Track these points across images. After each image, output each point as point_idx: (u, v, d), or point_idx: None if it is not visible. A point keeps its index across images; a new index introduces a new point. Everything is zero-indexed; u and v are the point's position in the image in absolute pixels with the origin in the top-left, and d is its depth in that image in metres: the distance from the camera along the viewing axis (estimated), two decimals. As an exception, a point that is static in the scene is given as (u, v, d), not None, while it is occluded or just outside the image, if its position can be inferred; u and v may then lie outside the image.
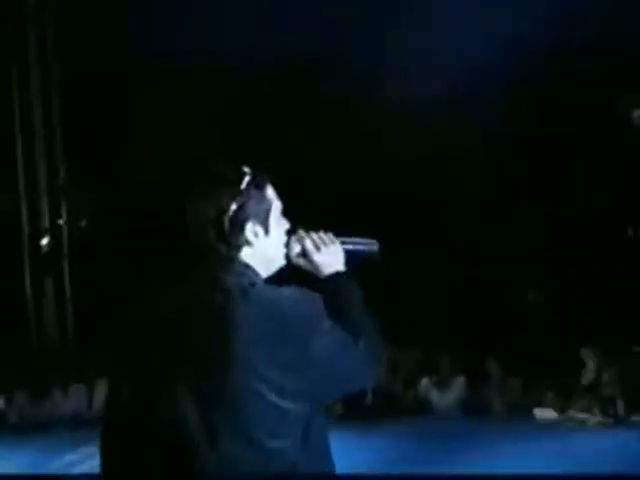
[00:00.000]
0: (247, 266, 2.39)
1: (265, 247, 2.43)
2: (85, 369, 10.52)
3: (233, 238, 2.37)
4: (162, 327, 2.35)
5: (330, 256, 2.54)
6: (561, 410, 9.58)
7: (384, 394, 9.87)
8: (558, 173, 10.60)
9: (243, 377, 2.24)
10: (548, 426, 9.18)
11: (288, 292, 2.35)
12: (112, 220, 11.36)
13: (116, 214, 11.33)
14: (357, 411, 9.04)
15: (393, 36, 9.70)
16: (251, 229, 2.39)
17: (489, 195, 10.62)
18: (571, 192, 10.66)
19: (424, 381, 10.30)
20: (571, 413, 9.52)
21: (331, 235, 2.59)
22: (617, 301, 10.17)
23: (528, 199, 10.66)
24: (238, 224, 2.37)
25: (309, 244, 2.55)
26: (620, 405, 9.34)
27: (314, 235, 2.57)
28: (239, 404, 2.24)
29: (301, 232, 2.57)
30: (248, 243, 2.39)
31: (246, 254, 2.40)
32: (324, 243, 2.56)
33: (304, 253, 2.55)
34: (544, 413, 9.60)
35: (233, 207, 2.36)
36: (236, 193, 2.38)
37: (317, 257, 2.54)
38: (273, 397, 2.25)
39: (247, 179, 2.40)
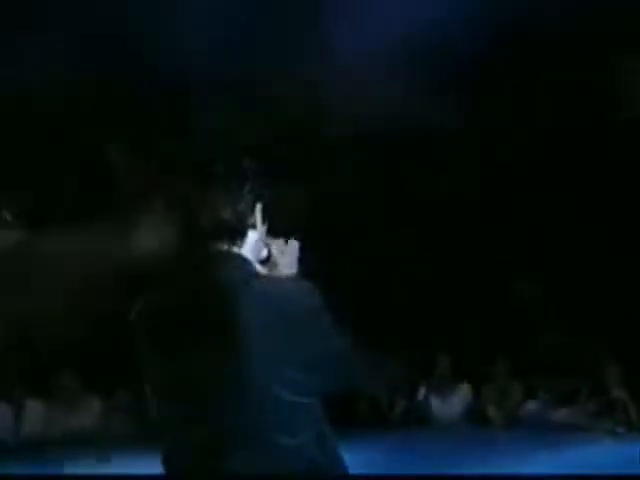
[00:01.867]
0: (245, 259, 2.46)
1: (260, 234, 2.53)
2: (10, 387, 9.87)
3: (248, 219, 2.47)
4: (172, 324, 2.40)
5: (292, 260, 2.67)
6: (572, 417, 9.27)
7: (375, 404, 9.54)
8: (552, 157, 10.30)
9: (253, 372, 2.30)
10: (558, 435, 8.79)
11: (290, 284, 2.46)
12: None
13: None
14: (345, 423, 8.53)
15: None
16: (259, 210, 2.50)
17: (482, 190, 10.44)
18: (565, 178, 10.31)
19: (422, 389, 9.87)
20: (582, 420, 9.18)
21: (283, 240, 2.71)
22: (624, 299, 9.80)
23: (521, 193, 10.43)
24: (250, 204, 2.48)
25: (275, 248, 2.65)
26: (632, 410, 8.99)
27: (279, 240, 2.68)
28: (252, 401, 2.30)
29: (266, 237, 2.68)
30: (254, 227, 2.49)
31: (245, 243, 2.48)
32: (286, 247, 2.68)
33: (269, 257, 2.64)
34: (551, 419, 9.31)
35: (246, 188, 2.47)
36: (246, 176, 2.49)
37: (281, 260, 2.65)
38: (283, 391, 2.30)
39: (249, 163, 2.51)
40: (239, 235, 2.46)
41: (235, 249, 2.46)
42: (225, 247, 2.44)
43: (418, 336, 9.62)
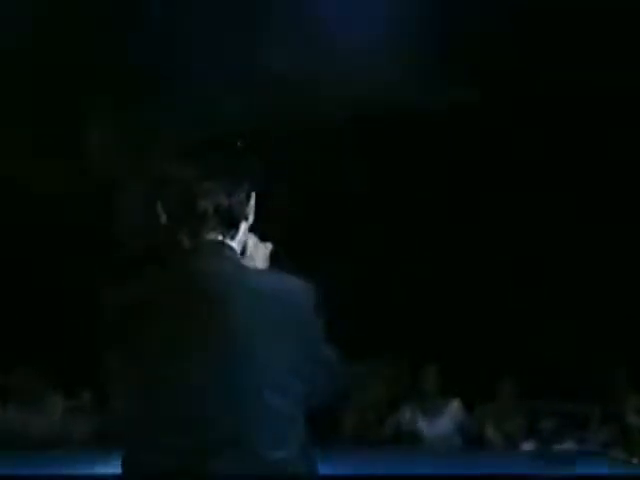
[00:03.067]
0: (234, 251, 2.41)
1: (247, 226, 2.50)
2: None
3: (244, 209, 2.41)
4: (155, 318, 2.29)
5: (265, 256, 2.58)
6: (581, 445, 8.62)
7: (355, 420, 8.84)
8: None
9: (244, 373, 2.22)
10: (563, 463, 7.95)
11: (286, 279, 2.38)
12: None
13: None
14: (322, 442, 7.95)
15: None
16: (253, 201, 2.47)
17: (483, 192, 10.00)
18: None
19: (407, 404, 9.07)
20: (592, 449, 8.51)
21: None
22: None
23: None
24: (246, 194, 2.43)
25: (250, 241, 2.56)
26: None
27: (252, 235, 2.57)
28: (242, 405, 2.22)
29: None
30: (247, 218, 2.45)
31: (237, 234, 2.44)
32: (260, 243, 2.60)
33: (244, 250, 2.54)
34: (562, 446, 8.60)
35: (245, 177, 2.43)
36: (245, 164, 2.46)
37: (256, 254, 2.56)
38: (273, 397, 2.24)
39: (248, 151, 2.50)
40: (233, 225, 2.40)
41: (227, 240, 2.39)
42: (219, 237, 2.38)
43: (409, 345, 9.03)
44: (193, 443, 2.20)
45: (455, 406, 9.03)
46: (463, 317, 9.53)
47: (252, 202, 2.45)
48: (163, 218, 2.40)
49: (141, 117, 9.42)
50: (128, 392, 2.32)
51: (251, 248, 2.55)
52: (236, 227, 2.41)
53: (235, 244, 2.41)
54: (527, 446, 8.74)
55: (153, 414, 2.25)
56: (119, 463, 2.30)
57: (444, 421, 9.01)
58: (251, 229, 2.53)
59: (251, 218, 2.47)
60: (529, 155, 9.80)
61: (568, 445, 8.61)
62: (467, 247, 9.82)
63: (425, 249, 9.92)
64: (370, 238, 9.77)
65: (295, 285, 2.36)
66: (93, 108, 10.09)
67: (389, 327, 9.14)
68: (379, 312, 9.31)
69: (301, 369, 2.28)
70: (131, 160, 8.89)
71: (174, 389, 2.23)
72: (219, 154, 2.43)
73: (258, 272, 2.44)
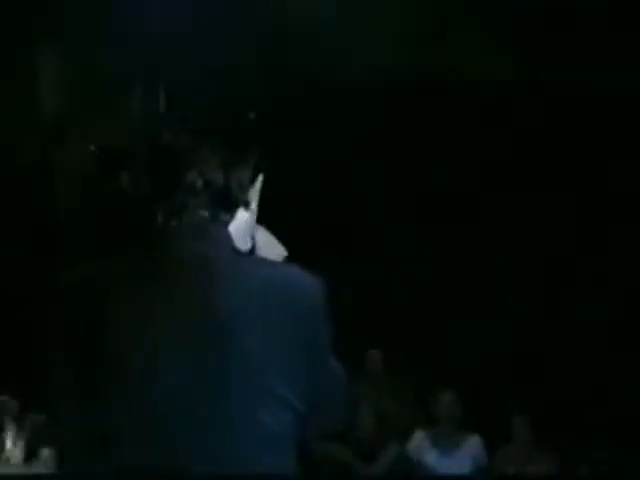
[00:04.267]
0: (229, 237, 2.18)
1: (251, 217, 2.31)
2: None
3: (244, 191, 2.19)
4: (127, 308, 2.06)
5: (279, 255, 2.41)
6: None
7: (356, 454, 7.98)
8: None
9: (233, 384, 2.02)
10: None
11: (292, 269, 2.15)
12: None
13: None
14: None
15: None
16: (259, 185, 2.31)
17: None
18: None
19: (418, 435, 8.15)
20: None
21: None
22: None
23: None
24: (250, 174, 2.24)
25: (260, 236, 2.38)
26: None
27: (263, 228, 2.41)
28: (232, 409, 2.02)
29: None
30: (247, 204, 2.22)
31: (235, 219, 2.23)
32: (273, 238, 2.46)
33: (253, 248, 2.35)
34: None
35: (250, 152, 2.25)
36: (252, 136, 2.29)
37: (269, 252, 2.36)
38: (267, 408, 2.03)
39: (256, 122, 2.34)
40: (227, 207, 2.13)
41: (220, 224, 2.11)
42: (208, 217, 2.10)
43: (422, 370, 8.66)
44: (169, 443, 2.00)
45: (473, 441, 8.15)
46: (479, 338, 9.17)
47: (257, 186, 2.22)
48: (142, 191, 2.14)
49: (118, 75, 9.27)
50: (111, 390, 2.06)
51: (262, 245, 2.30)
52: (231, 210, 2.14)
53: (232, 231, 2.14)
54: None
55: (132, 413, 2.02)
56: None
57: (459, 457, 8.12)
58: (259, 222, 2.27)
59: (254, 205, 2.23)
60: (530, 156, 9.69)
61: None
62: (489, 265, 9.63)
63: (442, 263, 9.76)
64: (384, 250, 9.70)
65: (304, 277, 2.12)
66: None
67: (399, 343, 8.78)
68: (388, 324, 9.04)
69: (304, 378, 2.05)
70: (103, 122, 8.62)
71: (155, 389, 2.00)
72: (219, 118, 2.21)
73: (256, 259, 2.21)
